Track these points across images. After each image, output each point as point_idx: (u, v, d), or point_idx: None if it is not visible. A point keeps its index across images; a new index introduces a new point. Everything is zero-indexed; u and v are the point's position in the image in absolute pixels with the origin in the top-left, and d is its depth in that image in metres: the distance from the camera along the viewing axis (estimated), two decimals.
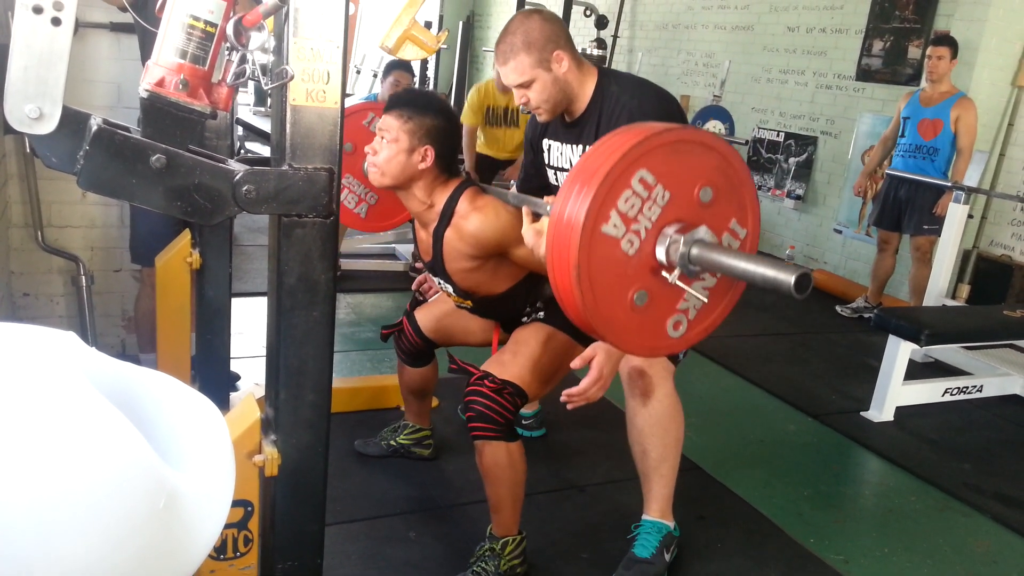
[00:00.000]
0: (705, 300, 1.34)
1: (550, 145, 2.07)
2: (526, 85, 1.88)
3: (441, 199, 1.95)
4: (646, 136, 1.21)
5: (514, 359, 1.93)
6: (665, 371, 2.02)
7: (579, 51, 3.90)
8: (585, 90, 1.93)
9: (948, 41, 4.31)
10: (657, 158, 1.22)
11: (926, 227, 4.36)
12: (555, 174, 2.09)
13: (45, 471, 0.65)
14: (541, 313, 2.04)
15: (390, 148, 1.87)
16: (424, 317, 2.34)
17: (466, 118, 4.77)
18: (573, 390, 1.72)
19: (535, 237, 1.60)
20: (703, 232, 1.26)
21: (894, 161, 4.52)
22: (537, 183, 2.18)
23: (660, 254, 1.26)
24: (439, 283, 2.12)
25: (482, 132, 4.90)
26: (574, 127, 1.97)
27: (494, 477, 1.91)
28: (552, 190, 2.12)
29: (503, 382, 1.86)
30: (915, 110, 4.40)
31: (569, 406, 1.75)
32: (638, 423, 2.02)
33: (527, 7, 6.87)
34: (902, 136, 4.45)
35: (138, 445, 0.72)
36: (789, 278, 1.15)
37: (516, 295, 2.06)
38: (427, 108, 1.90)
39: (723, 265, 1.23)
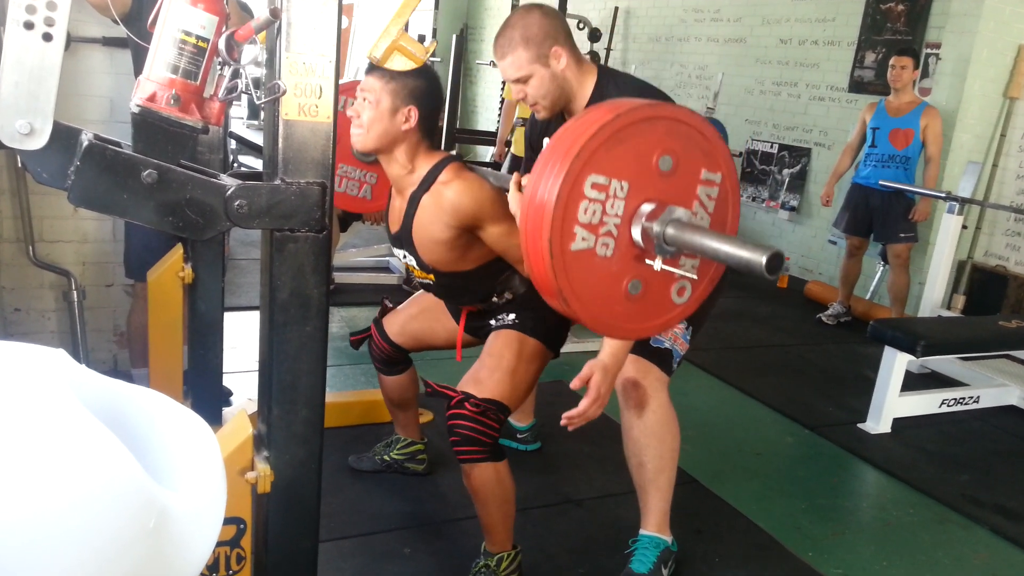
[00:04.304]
0: (694, 277, 1.30)
1: None
2: (523, 80, 1.86)
3: (424, 165, 1.90)
4: (580, 147, 1.16)
5: (491, 375, 1.91)
6: (659, 382, 2.01)
7: None
8: (584, 88, 1.91)
9: (911, 52, 4.47)
10: (600, 158, 1.18)
11: (902, 235, 4.47)
12: None
13: (33, 491, 0.64)
14: (511, 317, 2.00)
15: (372, 109, 1.83)
16: (391, 323, 2.34)
17: (508, 93, 4.79)
18: (572, 412, 1.72)
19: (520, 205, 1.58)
20: (674, 212, 1.22)
21: (865, 171, 4.59)
22: None
23: (638, 242, 1.22)
24: (402, 256, 2.05)
25: (516, 132, 4.92)
26: None
27: (484, 497, 1.89)
28: None
29: (485, 402, 1.84)
30: (883, 120, 4.50)
31: (570, 427, 1.74)
32: (633, 435, 2.01)
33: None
34: (872, 146, 4.54)
35: (127, 464, 0.71)
36: (760, 258, 1.09)
37: (481, 277, 2.00)
38: None
39: (697, 246, 1.19)
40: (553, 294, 1.22)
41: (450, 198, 1.85)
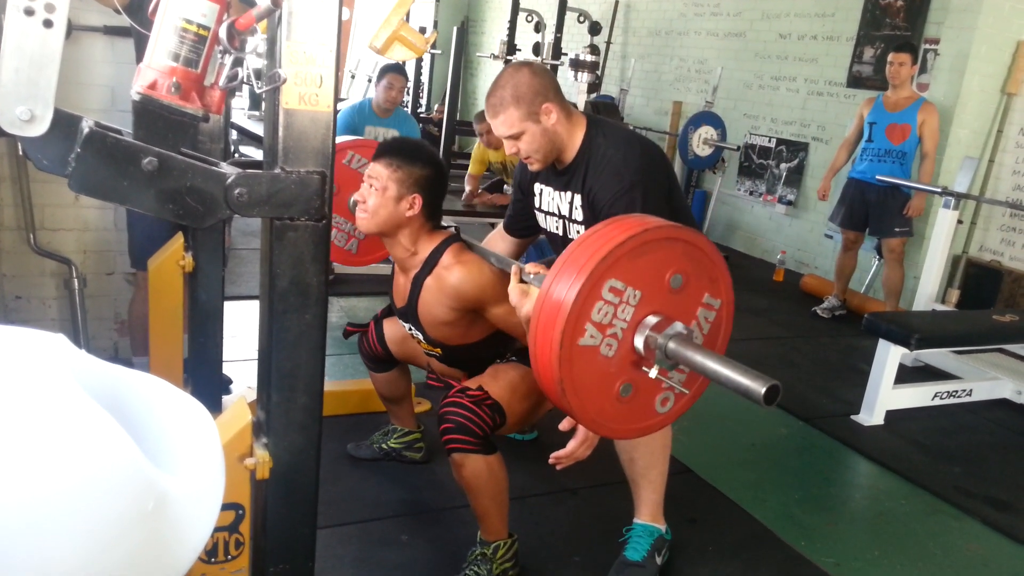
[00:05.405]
0: (686, 391, 1.39)
1: (541, 189, 2.09)
2: (516, 137, 1.91)
3: (426, 248, 1.97)
4: (608, 251, 1.25)
5: (494, 381, 1.93)
6: None
7: (573, 57, 3.94)
8: (574, 140, 1.95)
9: (909, 48, 4.47)
10: (623, 266, 1.26)
11: (898, 229, 4.50)
12: (545, 218, 2.12)
13: (33, 473, 0.65)
14: (513, 358, 2.05)
15: (378, 196, 1.90)
16: (391, 329, 2.35)
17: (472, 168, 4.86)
18: (561, 453, 1.72)
19: (520, 296, 1.63)
20: (678, 327, 1.30)
21: (862, 165, 4.62)
22: (523, 224, 2.22)
23: (639, 348, 1.31)
24: (409, 329, 2.12)
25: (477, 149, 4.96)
26: (563, 174, 1.99)
27: (476, 489, 1.89)
28: (540, 231, 2.17)
29: (484, 394, 1.86)
30: (881, 115, 4.52)
31: (558, 467, 1.74)
32: None
33: (521, 12, 6.88)
34: (869, 141, 4.56)
35: (126, 447, 0.72)
36: (759, 388, 1.18)
37: (486, 348, 2.07)
38: (416, 157, 1.93)
39: (698, 365, 1.27)
40: (553, 382, 1.28)
41: (452, 283, 1.92)
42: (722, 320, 1.43)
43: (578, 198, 1.96)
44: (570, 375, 1.27)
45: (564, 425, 1.73)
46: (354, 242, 2.54)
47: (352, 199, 1.99)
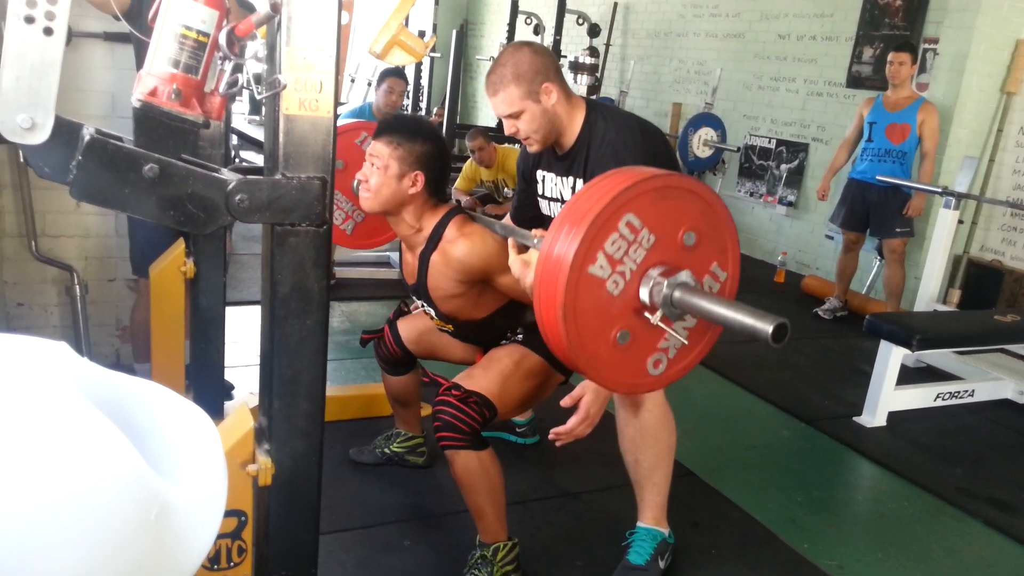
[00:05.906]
0: (685, 342, 1.38)
1: (543, 176, 2.10)
2: (515, 116, 1.91)
3: (430, 223, 1.98)
4: (635, 182, 1.24)
5: (484, 373, 1.95)
6: None
7: (572, 60, 3.94)
8: (574, 123, 1.95)
9: (908, 47, 4.47)
10: (644, 203, 1.25)
11: (898, 229, 4.50)
12: (548, 204, 2.12)
13: (35, 482, 0.65)
14: (519, 336, 2.07)
15: (380, 174, 1.91)
16: (406, 329, 2.37)
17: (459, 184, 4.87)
18: (561, 428, 1.74)
19: (521, 267, 1.63)
20: (686, 276, 1.29)
21: (862, 166, 4.61)
22: (530, 213, 2.21)
23: (644, 295, 1.29)
24: (422, 305, 2.15)
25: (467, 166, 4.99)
26: (564, 159, 1.99)
27: (469, 486, 1.91)
28: (544, 220, 2.16)
29: (469, 391, 1.88)
30: (881, 115, 4.52)
31: (557, 443, 1.76)
32: (629, 433, 2.03)
33: (520, 14, 6.89)
34: (869, 141, 4.56)
35: (129, 455, 0.71)
36: (767, 327, 1.17)
37: (497, 320, 2.09)
38: (416, 134, 1.93)
39: (704, 310, 1.25)
40: (556, 306, 1.26)
41: (457, 257, 1.93)
42: (724, 294, 1.40)
43: (580, 183, 1.96)
44: (574, 302, 1.25)
45: (566, 401, 1.74)
46: (350, 223, 2.52)
47: (355, 179, 1.99)
